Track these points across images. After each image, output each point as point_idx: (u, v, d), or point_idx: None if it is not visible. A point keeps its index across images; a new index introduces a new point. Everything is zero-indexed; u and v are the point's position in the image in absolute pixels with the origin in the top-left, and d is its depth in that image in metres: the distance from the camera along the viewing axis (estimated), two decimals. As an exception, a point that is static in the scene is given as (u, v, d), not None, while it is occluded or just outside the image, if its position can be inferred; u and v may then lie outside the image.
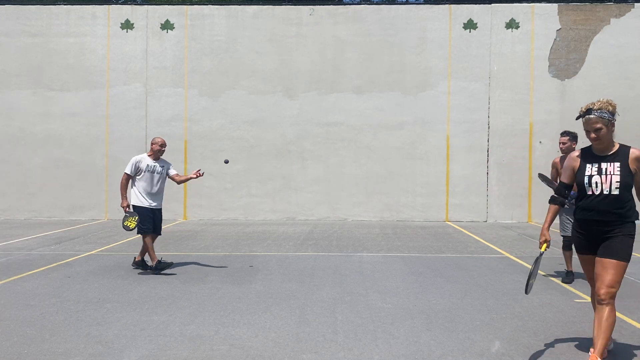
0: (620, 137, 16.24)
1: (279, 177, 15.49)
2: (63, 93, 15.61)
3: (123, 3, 16.77)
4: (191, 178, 8.01)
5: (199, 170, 8.01)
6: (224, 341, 4.80)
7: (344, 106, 15.43)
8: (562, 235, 7.52)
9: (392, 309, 5.87)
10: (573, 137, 7.45)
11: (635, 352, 4.60)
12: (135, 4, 16.15)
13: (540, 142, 15.05)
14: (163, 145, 8.05)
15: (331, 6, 15.86)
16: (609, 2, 15.37)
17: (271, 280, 7.33)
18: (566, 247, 7.42)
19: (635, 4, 15.16)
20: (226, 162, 8.64)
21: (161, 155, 8.09)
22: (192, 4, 16.86)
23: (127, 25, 15.69)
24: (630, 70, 15.00)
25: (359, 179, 15.39)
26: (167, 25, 15.67)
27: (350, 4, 17.01)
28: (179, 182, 8.23)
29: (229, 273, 7.79)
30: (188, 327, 5.21)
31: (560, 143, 7.50)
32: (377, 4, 16.77)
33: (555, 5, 15.26)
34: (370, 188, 15.36)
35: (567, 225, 7.27)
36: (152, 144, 8.06)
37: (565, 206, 7.24)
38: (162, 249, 9.98)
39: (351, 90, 15.45)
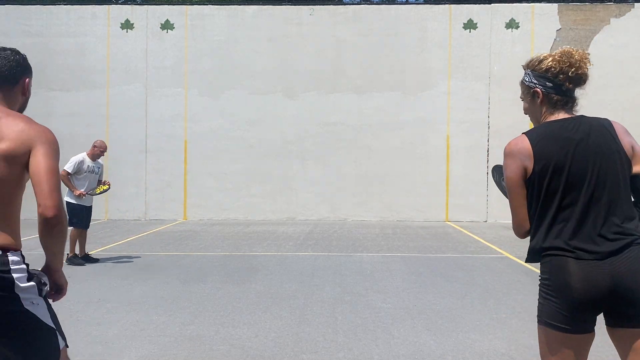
0: (620, 137, 15.95)
1: (279, 177, 15.48)
2: (63, 93, 15.61)
3: (123, 3, 16.78)
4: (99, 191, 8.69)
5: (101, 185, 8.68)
6: (224, 341, 4.80)
7: (344, 106, 15.42)
8: None
9: (392, 309, 5.87)
10: None
11: (635, 352, 4.60)
12: (135, 4, 16.15)
13: (540, 142, 15.04)
14: (105, 150, 8.71)
15: (331, 6, 15.86)
16: (609, 2, 15.37)
17: (271, 280, 7.33)
18: None
19: (635, 4, 15.16)
20: None
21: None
22: (192, 4, 16.86)
23: (127, 25, 15.68)
24: (630, 70, 14.99)
25: (359, 179, 15.38)
26: (167, 25, 15.66)
27: (350, 4, 17.02)
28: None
29: (229, 273, 7.79)
30: (188, 327, 5.21)
31: None
32: (377, 4, 16.78)
33: (555, 5, 15.26)
34: (370, 188, 15.34)
35: None
36: (95, 146, 8.61)
37: None
38: (162, 249, 9.98)
39: (351, 90, 15.44)
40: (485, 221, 15.04)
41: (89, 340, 4.78)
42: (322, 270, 8.02)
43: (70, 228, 8.55)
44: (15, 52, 2.39)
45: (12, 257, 2.17)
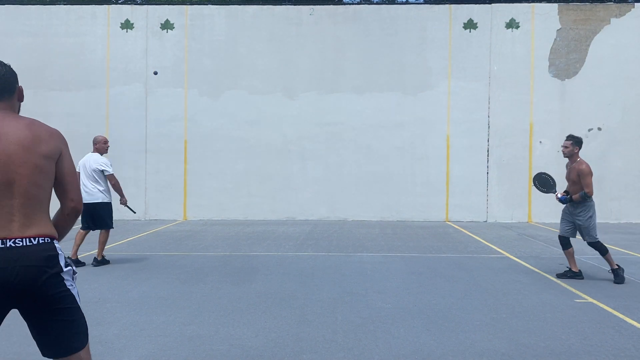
0: (620, 136, 16.25)
1: (279, 177, 15.48)
2: (63, 93, 15.61)
3: (123, 3, 16.77)
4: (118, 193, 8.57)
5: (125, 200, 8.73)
6: (224, 341, 4.80)
7: (344, 106, 15.42)
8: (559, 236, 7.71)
9: (392, 309, 5.87)
10: (576, 141, 7.36)
11: (635, 352, 4.60)
12: (135, 4, 16.14)
13: (540, 142, 15.05)
14: (107, 141, 8.90)
15: (331, 6, 15.85)
16: (609, 2, 15.37)
17: (271, 280, 7.33)
18: (562, 247, 7.65)
19: (636, 4, 15.15)
20: (155, 73, 10.08)
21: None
22: (192, 4, 16.85)
23: (127, 25, 15.68)
24: (630, 70, 14.99)
25: (359, 179, 15.38)
26: (167, 25, 15.66)
27: (350, 4, 17.01)
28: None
29: (229, 273, 7.79)
30: (188, 327, 5.21)
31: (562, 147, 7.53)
32: (377, 4, 16.77)
33: (555, 5, 15.26)
34: (370, 188, 15.34)
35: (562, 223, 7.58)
36: (103, 142, 8.82)
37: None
38: (162, 249, 9.98)
39: (351, 90, 15.44)
40: (485, 221, 15.04)
41: (89, 340, 4.78)
42: (322, 270, 8.02)
43: (81, 230, 8.44)
44: (1, 64, 2.56)
45: (57, 245, 2.52)
